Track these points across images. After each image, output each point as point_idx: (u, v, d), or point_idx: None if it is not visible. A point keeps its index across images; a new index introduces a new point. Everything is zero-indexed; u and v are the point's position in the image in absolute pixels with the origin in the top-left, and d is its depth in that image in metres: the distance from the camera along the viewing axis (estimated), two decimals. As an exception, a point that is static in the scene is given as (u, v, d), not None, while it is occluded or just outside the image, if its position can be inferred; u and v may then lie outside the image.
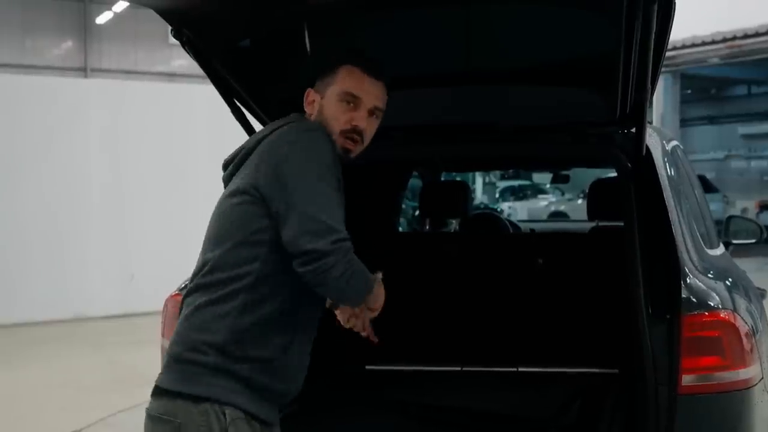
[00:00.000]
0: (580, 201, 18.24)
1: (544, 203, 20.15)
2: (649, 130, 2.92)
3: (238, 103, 2.76)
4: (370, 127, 2.15)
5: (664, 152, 2.95)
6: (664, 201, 2.55)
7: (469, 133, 2.92)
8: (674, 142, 3.44)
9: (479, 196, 21.36)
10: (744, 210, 19.87)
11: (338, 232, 1.91)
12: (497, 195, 22.00)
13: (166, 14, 2.37)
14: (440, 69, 2.75)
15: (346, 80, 2.11)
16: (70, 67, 24.05)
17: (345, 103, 2.11)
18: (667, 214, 2.50)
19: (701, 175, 19.96)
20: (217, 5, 2.26)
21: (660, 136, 3.09)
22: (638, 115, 2.51)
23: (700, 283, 2.39)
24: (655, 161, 2.69)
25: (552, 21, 2.39)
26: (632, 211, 2.50)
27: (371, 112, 2.14)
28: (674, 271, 2.36)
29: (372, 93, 2.13)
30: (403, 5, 2.37)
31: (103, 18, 24.57)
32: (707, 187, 18.69)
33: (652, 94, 2.52)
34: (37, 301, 9.16)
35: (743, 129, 24.28)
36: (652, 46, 2.18)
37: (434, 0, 2.25)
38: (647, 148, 2.65)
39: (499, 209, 18.89)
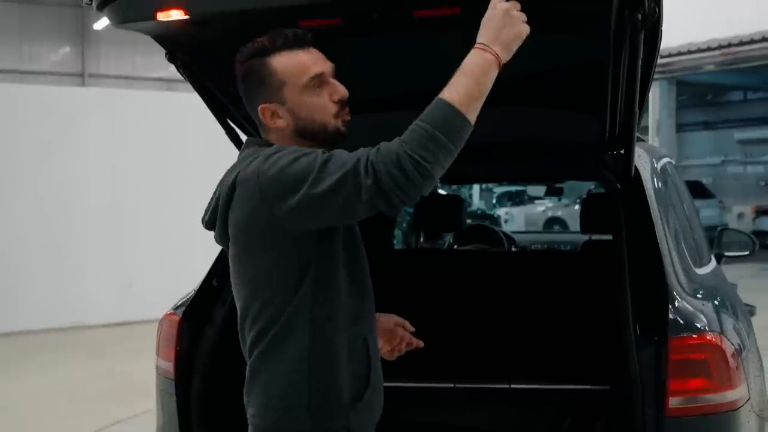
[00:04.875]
0: (576, 207, 18.27)
1: (541, 209, 20.16)
2: (639, 150, 2.96)
3: (231, 123, 2.81)
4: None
5: (654, 172, 3.00)
6: (652, 223, 2.59)
7: (462, 152, 2.95)
8: (665, 159, 3.48)
9: (476, 201, 21.39)
10: (740, 215, 19.89)
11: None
12: (494, 201, 22.03)
13: (161, 39, 2.41)
14: (434, 89, 2.77)
15: (293, 69, 1.91)
16: (68, 72, 24.07)
17: (314, 88, 1.92)
18: (655, 237, 2.54)
19: (698, 181, 20.06)
20: (210, 32, 2.29)
21: (650, 155, 3.13)
22: (627, 137, 2.56)
23: (687, 305, 2.42)
24: (644, 182, 2.74)
25: (542, 45, 2.42)
26: (621, 233, 2.54)
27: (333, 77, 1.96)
28: (662, 294, 2.39)
29: (319, 60, 1.94)
30: (395, 30, 2.39)
31: (100, 24, 24.47)
32: (703, 193, 18.70)
33: (641, 116, 2.57)
34: (36, 309, 9.17)
35: (739, 134, 24.28)
36: (640, 72, 2.23)
37: (429, 23, 2.28)
38: (636, 169, 2.70)
39: (495, 215, 18.91)
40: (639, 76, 2.24)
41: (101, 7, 2.19)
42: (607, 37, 2.11)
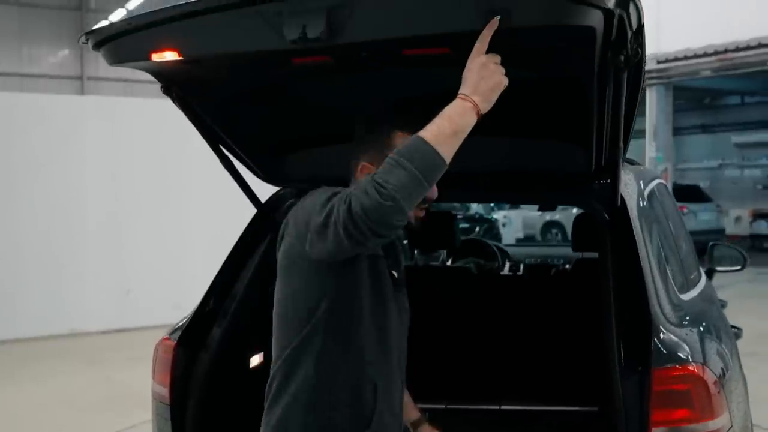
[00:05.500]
0: (575, 210, 18.28)
1: (538, 213, 20.16)
2: (628, 176, 3.01)
3: (225, 151, 2.87)
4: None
5: (641, 198, 3.04)
6: (637, 253, 2.64)
7: (455, 179, 3.00)
8: (655, 182, 3.52)
9: (474, 205, 21.38)
10: (738, 218, 19.92)
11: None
12: (492, 204, 22.01)
13: (156, 75, 2.46)
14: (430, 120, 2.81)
15: None
16: (67, 75, 24.12)
17: None
18: (640, 267, 2.59)
19: (695, 184, 20.02)
20: (205, 69, 2.33)
21: (639, 180, 3.17)
22: (613, 170, 2.61)
23: (671, 335, 2.46)
24: (630, 210, 2.78)
25: (531, 84, 2.47)
26: (607, 262, 2.59)
27: None
28: (646, 324, 2.44)
29: None
30: (384, 67, 2.44)
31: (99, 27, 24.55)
32: (701, 196, 18.71)
33: (626, 151, 2.62)
34: (34, 316, 9.20)
35: (736, 138, 24.29)
36: (624, 109, 2.28)
37: (423, 60, 2.33)
38: (623, 198, 2.75)
39: (493, 218, 18.93)
40: (623, 113, 2.29)
41: (97, 48, 2.24)
42: (591, 78, 2.15)
